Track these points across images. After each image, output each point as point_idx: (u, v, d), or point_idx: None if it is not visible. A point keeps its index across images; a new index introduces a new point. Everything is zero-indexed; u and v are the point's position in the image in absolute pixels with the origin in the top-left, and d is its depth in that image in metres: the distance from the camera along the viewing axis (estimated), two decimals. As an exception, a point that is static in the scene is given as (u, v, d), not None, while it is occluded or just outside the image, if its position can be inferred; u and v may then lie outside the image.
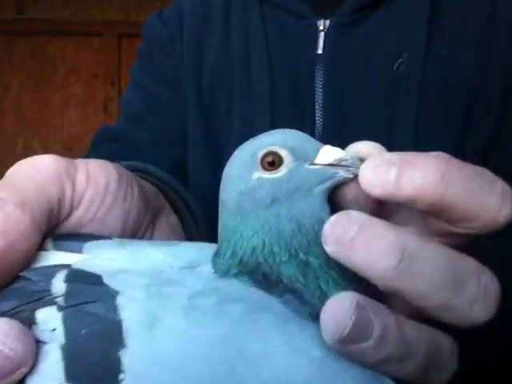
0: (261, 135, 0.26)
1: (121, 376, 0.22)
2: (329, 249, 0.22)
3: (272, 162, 0.25)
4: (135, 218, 0.30)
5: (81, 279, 0.24)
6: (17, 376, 0.22)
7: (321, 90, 0.54)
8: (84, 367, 0.22)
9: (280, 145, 0.25)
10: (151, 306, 0.23)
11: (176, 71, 0.60)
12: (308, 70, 0.54)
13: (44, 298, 0.24)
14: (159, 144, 0.59)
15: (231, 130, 0.56)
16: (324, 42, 0.54)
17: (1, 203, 0.24)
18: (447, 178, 0.21)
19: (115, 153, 0.55)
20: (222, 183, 0.26)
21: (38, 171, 0.26)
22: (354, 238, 0.21)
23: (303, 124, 0.53)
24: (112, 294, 0.23)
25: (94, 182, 0.28)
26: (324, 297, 0.23)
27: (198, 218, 0.42)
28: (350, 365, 0.22)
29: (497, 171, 0.22)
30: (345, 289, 0.23)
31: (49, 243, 0.26)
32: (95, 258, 0.26)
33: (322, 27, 0.55)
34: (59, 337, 0.23)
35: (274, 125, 0.53)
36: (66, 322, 0.23)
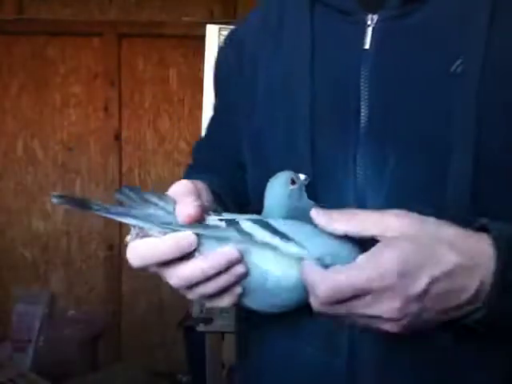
0: None
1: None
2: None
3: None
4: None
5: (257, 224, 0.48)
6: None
7: (367, 86, 0.52)
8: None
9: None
10: None
11: (238, 96, 0.64)
12: (353, 65, 0.53)
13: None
14: (224, 156, 0.70)
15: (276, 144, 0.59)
16: (371, 36, 0.53)
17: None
18: None
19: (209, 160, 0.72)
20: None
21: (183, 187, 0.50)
22: None
23: (347, 122, 0.52)
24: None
25: (200, 192, 0.51)
26: None
27: None
28: None
29: None
30: None
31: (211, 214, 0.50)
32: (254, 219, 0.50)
33: (369, 22, 0.53)
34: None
35: (312, 125, 0.54)
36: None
